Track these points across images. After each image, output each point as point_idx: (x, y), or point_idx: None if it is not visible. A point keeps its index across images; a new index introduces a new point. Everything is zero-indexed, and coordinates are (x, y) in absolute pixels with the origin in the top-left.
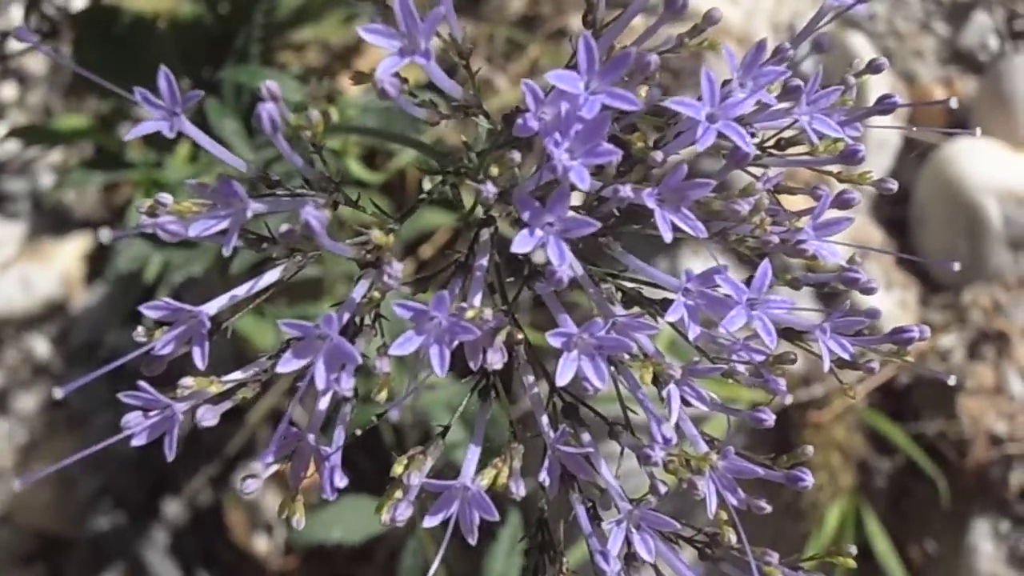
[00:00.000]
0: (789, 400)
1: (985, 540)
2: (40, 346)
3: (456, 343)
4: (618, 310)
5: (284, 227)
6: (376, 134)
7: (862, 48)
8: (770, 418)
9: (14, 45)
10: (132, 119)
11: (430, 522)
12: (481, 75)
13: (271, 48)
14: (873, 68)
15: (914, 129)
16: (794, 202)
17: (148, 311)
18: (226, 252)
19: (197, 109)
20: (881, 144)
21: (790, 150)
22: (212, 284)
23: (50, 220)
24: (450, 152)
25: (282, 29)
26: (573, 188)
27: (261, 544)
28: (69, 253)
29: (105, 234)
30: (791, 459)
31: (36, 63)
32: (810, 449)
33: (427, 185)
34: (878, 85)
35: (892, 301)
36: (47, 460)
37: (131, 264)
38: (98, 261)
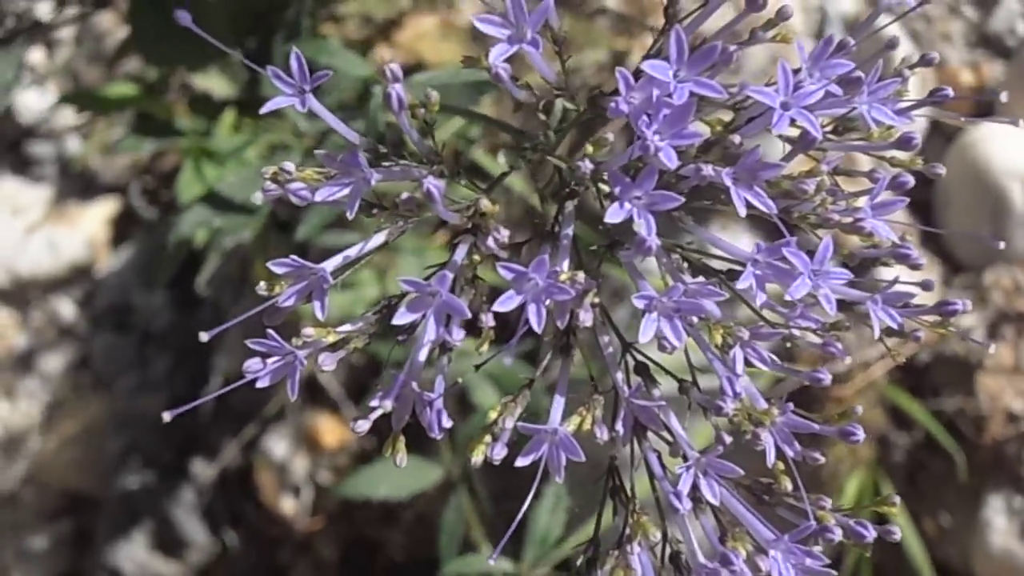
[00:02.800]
0: (848, 361)
1: (999, 515)
2: (65, 308)
3: (549, 302)
4: (689, 279)
5: (405, 195)
6: (457, 112)
7: (891, 30)
8: (827, 377)
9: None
10: (179, 87)
11: (522, 462)
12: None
13: (316, 19)
14: (925, 62)
15: (961, 119)
16: (847, 185)
17: (275, 268)
18: (350, 216)
19: (250, 79)
20: None
21: (845, 135)
22: (253, 251)
23: (77, 184)
24: (526, 131)
25: (328, 0)
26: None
27: (288, 505)
28: (95, 217)
29: (258, 196)
30: (842, 417)
31: (63, 29)
32: (860, 408)
33: (501, 159)
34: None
35: (915, 280)
36: (73, 420)
37: (194, 228)
38: (123, 226)
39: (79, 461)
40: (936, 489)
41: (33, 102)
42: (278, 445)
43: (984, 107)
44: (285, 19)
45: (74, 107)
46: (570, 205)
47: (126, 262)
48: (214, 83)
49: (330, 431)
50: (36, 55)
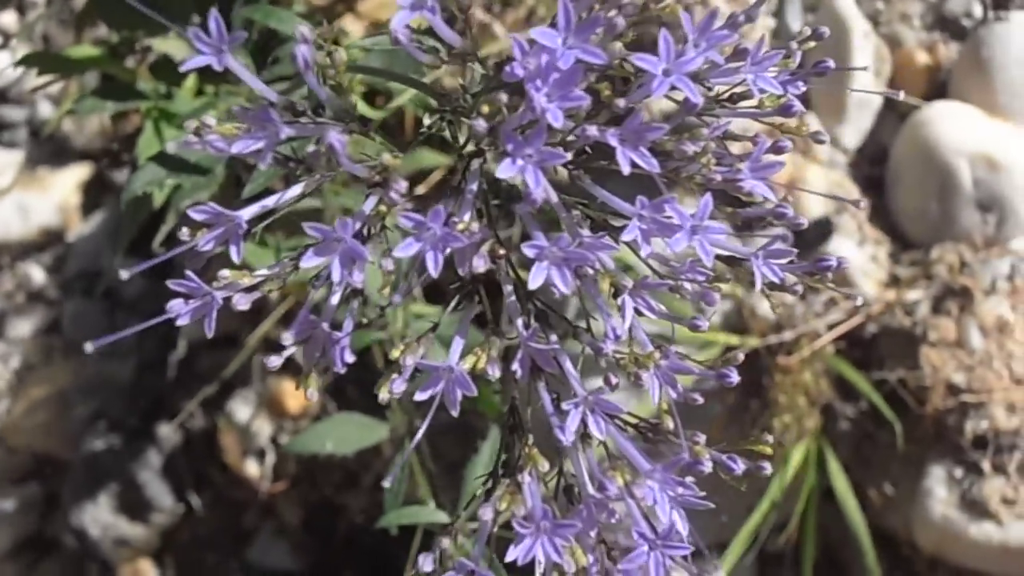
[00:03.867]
0: (718, 302)
1: (939, 485)
2: (36, 273)
3: (448, 250)
4: (585, 232)
5: (311, 148)
6: (380, 74)
7: (848, 9)
8: (704, 324)
9: None
10: (141, 50)
11: (420, 396)
12: (480, 21)
13: None
14: (815, 36)
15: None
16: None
17: (194, 214)
18: (262, 167)
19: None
20: (862, 105)
21: (742, 103)
22: None
23: (48, 149)
24: (447, 93)
25: None
26: (549, 127)
27: (252, 469)
28: (67, 183)
29: (171, 145)
30: (724, 361)
31: None
32: (742, 356)
33: (427, 121)
34: (862, 48)
35: (865, 255)
36: (43, 384)
37: (146, 186)
38: (95, 192)
39: (47, 425)
40: (881, 459)
41: (2, 66)
42: (242, 409)
43: (938, 87)
44: None
45: (36, 69)
46: (475, 163)
47: (96, 228)
48: (173, 47)
49: (292, 396)
50: (7, 18)
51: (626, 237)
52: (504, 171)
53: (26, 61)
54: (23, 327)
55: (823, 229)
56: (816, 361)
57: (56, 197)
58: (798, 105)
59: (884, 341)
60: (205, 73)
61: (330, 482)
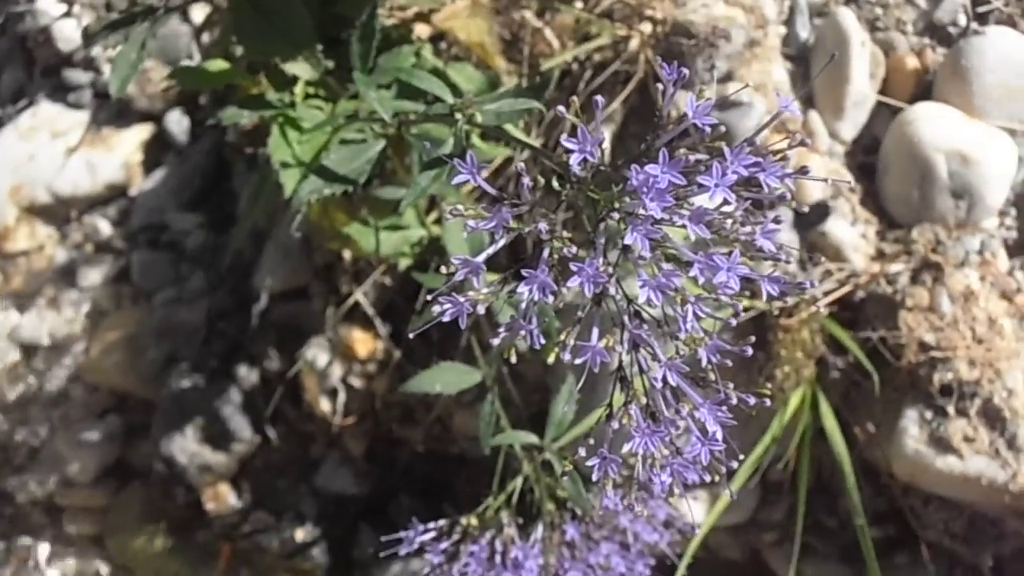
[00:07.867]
0: (742, 310)
1: (913, 425)
2: (103, 226)
3: (595, 281)
4: (666, 266)
5: (527, 228)
6: (501, 133)
7: (848, 20)
8: (733, 322)
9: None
10: (262, 64)
11: (578, 361)
12: (534, 27)
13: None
14: (800, 143)
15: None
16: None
17: (456, 261)
18: (497, 238)
19: (325, 71)
20: (858, 103)
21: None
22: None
23: (112, 110)
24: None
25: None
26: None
27: (325, 406)
28: (130, 141)
29: (464, 234)
30: (743, 341)
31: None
32: (753, 337)
33: (556, 185)
34: (860, 55)
35: (856, 233)
36: (116, 329)
37: (312, 194)
38: (155, 150)
39: (123, 364)
40: (865, 403)
41: (70, 31)
42: (319, 354)
43: (924, 88)
44: (361, 19)
45: (179, 83)
46: (602, 226)
47: (158, 184)
48: (299, 69)
49: (361, 342)
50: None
51: (692, 273)
52: (627, 240)
53: (173, 75)
54: (93, 275)
55: (821, 211)
56: (813, 321)
57: (121, 155)
58: (788, 195)
59: (870, 306)
60: (316, 85)
61: (391, 418)
